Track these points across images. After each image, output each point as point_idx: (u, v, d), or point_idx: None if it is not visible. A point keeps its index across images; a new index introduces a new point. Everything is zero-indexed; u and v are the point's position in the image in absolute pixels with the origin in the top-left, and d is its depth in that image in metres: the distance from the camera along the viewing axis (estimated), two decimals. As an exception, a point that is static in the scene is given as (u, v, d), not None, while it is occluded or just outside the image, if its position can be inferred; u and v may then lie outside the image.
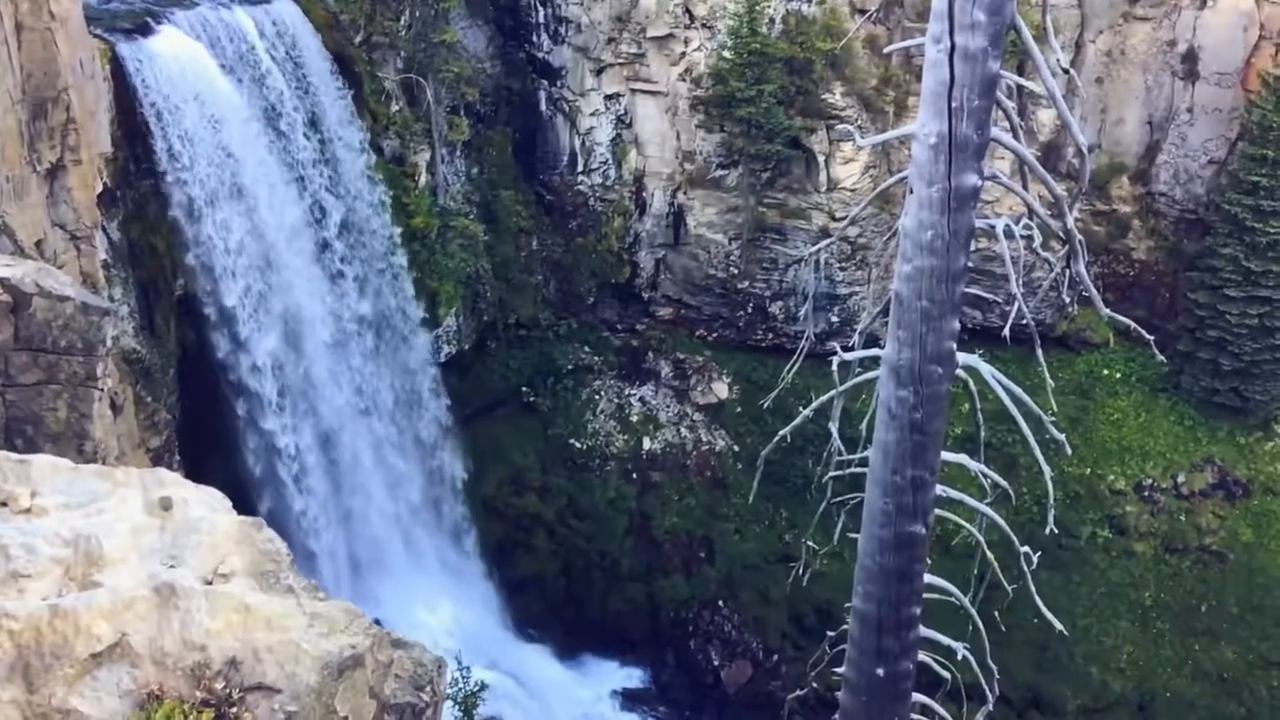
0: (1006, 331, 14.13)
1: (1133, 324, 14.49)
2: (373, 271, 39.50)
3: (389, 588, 39.43)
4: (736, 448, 47.17)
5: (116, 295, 28.64)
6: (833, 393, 14.99)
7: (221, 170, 32.42)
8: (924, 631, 15.07)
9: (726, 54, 43.68)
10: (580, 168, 47.92)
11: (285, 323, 35.61)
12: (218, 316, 33.32)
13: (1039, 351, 14.86)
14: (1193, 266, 45.44)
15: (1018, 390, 13.91)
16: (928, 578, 14.62)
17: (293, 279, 35.74)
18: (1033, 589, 15.17)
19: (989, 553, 15.24)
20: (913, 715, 15.66)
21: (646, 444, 47.11)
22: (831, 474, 15.95)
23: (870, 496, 14.11)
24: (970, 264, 12.75)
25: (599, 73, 46.32)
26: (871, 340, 15.46)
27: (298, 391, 36.50)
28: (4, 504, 9.75)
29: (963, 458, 15.00)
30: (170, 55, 30.55)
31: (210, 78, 31.87)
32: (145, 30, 30.22)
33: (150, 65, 29.83)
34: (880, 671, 14.69)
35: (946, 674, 16.13)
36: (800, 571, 19.17)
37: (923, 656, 15.53)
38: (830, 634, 16.72)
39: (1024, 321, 13.74)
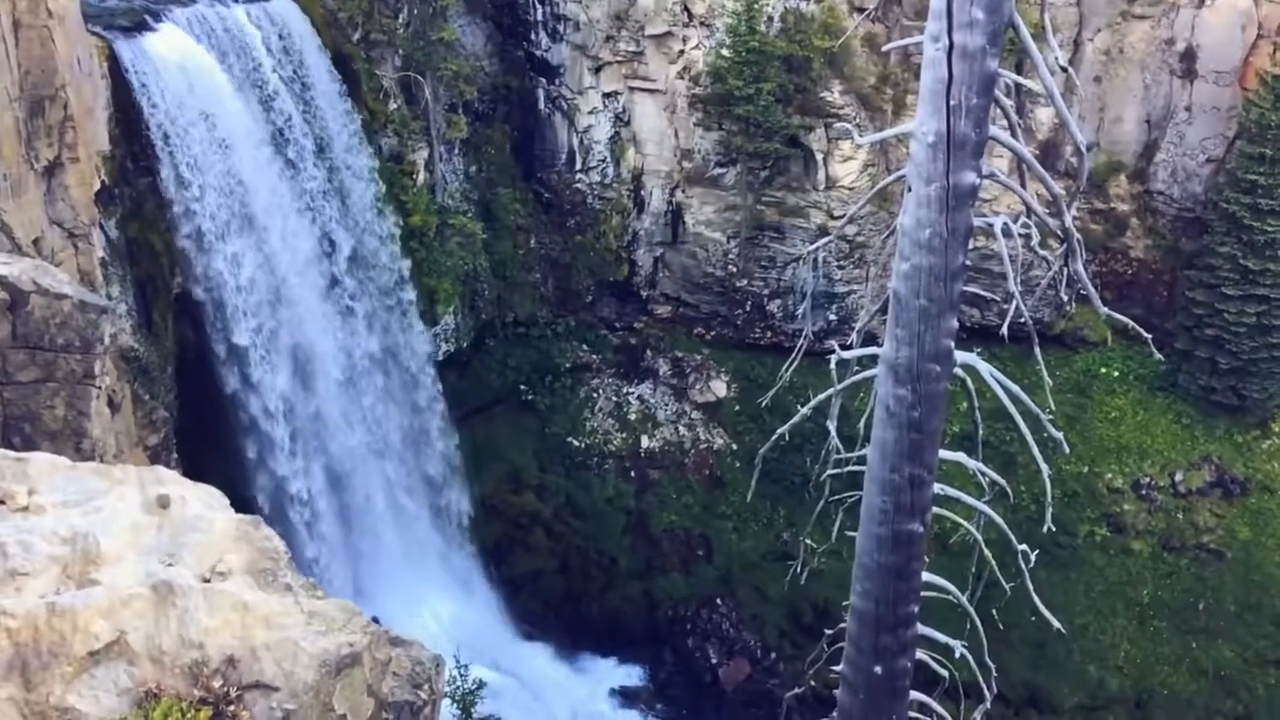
0: (1004, 330, 14.14)
1: (1130, 322, 14.51)
2: (381, 307, 39.00)
3: (386, 584, 39.40)
4: (735, 446, 47.18)
5: (114, 293, 28.59)
6: (831, 391, 14.99)
7: (231, 199, 31.36)
8: (922, 629, 15.08)
9: (725, 52, 43.67)
10: (579, 166, 47.90)
11: (296, 360, 34.79)
12: (227, 353, 32.70)
13: (1037, 350, 14.87)
14: (1190, 265, 45.47)
15: (1015, 388, 13.92)
16: (925, 576, 14.63)
17: (304, 315, 34.98)
18: (1030, 587, 15.19)
19: (987, 551, 15.25)
20: (910, 713, 15.67)
21: (645, 442, 47.11)
22: (829, 472, 15.96)
23: (868, 494, 14.12)
24: (968, 262, 12.76)
25: (597, 71, 46.30)
26: (870, 338, 15.46)
27: (309, 433, 35.77)
28: (2, 502, 9.74)
29: (961, 456, 15.01)
30: (177, 67, 29.66)
31: (220, 96, 30.84)
32: (143, 28, 30.04)
33: (156, 80, 29.01)
34: (878, 669, 14.71)
35: (944, 672, 16.15)
36: (798, 569, 19.18)
37: (920, 654, 15.54)
38: (828, 632, 16.74)
39: (1022, 320, 13.76)
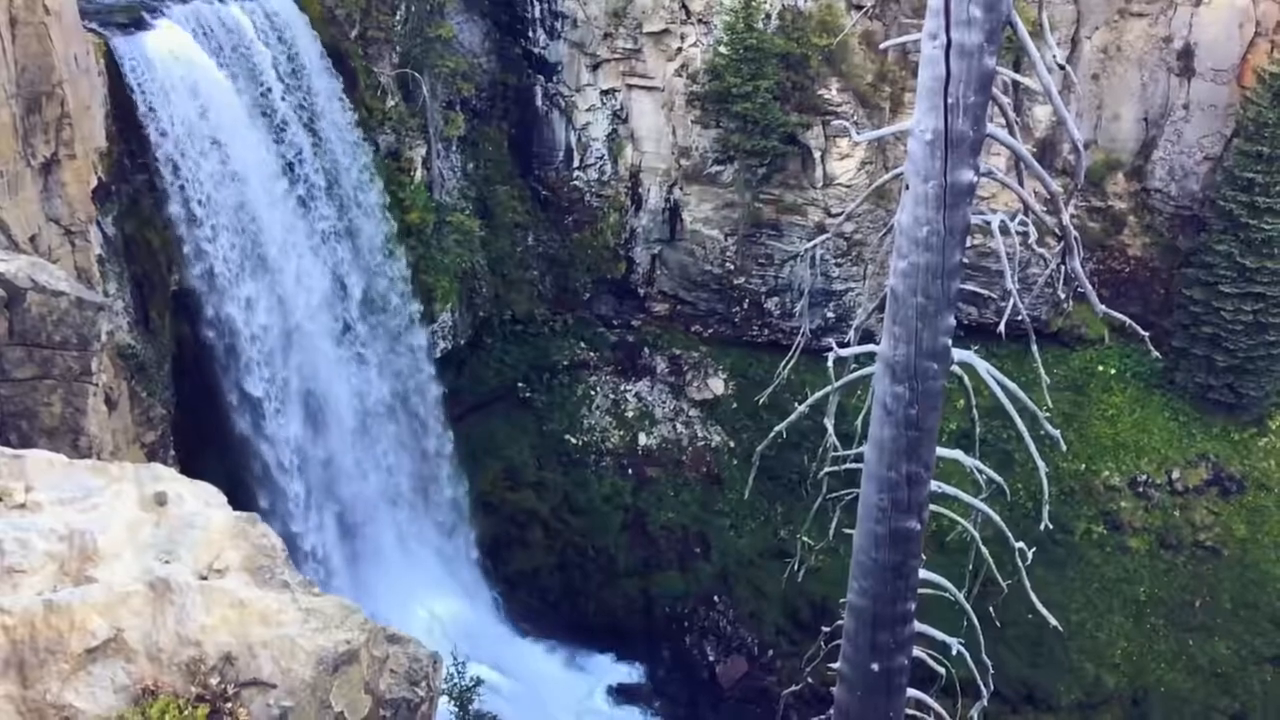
0: (1002, 327, 14.16)
1: (1128, 320, 14.55)
2: (391, 351, 38.57)
3: (384, 582, 39.39)
4: (732, 443, 47.18)
5: (111, 290, 28.53)
6: (828, 389, 15.00)
7: (244, 238, 30.23)
8: (919, 627, 15.10)
9: (723, 49, 43.65)
10: (576, 163, 47.88)
11: (308, 408, 33.91)
12: (239, 401, 32.04)
13: (1034, 347, 14.89)
14: (1188, 263, 45.51)
15: (1013, 386, 13.94)
16: (922, 573, 14.64)
17: (318, 361, 34.13)
18: (1027, 584, 15.21)
19: (984, 548, 15.26)
20: (907, 710, 15.69)
21: (642, 439, 47.11)
22: (827, 470, 15.98)
23: (865, 492, 14.13)
24: (966, 260, 12.77)
25: (595, 68, 46.27)
26: (867, 336, 15.47)
27: (322, 483, 35.07)
28: (-2, 499, 9.73)
29: (958, 453, 15.03)
30: (186, 88, 28.43)
31: (234, 125, 29.55)
32: (140, 25, 29.82)
33: (165, 106, 27.91)
34: (875, 666, 14.72)
35: (941, 669, 16.17)
36: (795, 567, 19.23)
37: (917, 651, 15.56)
38: (825, 629, 16.76)
39: (1019, 317, 13.77)
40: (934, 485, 14.12)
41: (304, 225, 33.35)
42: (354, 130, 35.65)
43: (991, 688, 16.38)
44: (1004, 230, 13.37)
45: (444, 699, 27.53)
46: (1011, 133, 12.63)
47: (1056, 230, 13.04)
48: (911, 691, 15.55)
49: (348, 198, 35.31)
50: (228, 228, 29.91)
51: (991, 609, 16.84)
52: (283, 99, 32.01)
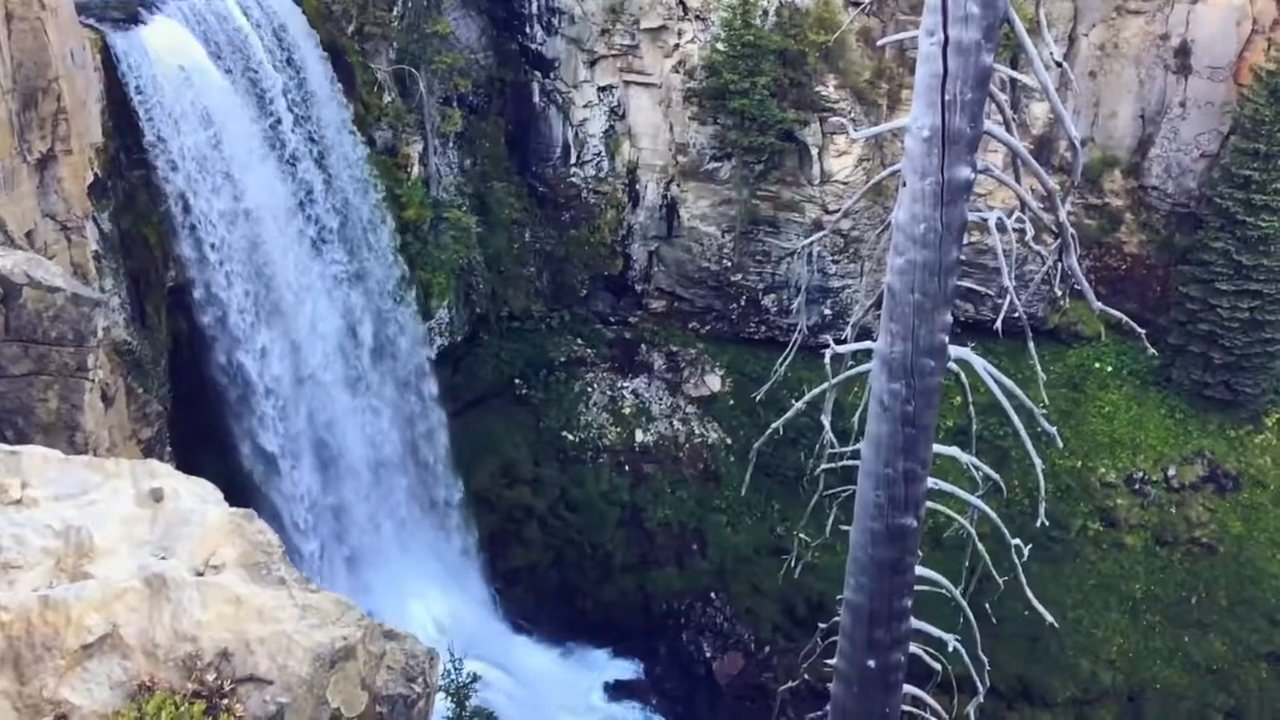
0: (998, 325, 14.17)
1: (1124, 317, 14.56)
2: (402, 399, 38.32)
3: (380, 578, 39.40)
4: (729, 440, 47.20)
5: (107, 286, 28.49)
6: (825, 385, 14.99)
7: (258, 282, 29.45)
8: (915, 623, 15.11)
9: (720, 46, 43.62)
10: (573, 159, 47.85)
11: (321, 458, 33.40)
12: (252, 451, 31.65)
13: (1030, 345, 14.88)
14: (1184, 260, 45.56)
15: (1009, 383, 13.95)
16: (919, 570, 14.66)
17: (334, 410, 33.48)
18: (1023, 581, 15.22)
19: (980, 545, 15.27)
20: (904, 706, 15.71)
21: (639, 436, 47.12)
22: (823, 466, 15.98)
23: (862, 489, 14.13)
24: (963, 257, 12.77)
25: (592, 64, 46.22)
26: (864, 333, 15.46)
27: (333, 535, 34.63)
28: (-6, 495, 9.72)
29: (954, 450, 15.05)
30: (198, 115, 27.52)
31: (246, 154, 28.55)
32: (137, 20, 29.63)
33: (175, 137, 27.19)
34: (871, 663, 14.74)
35: (937, 665, 16.19)
36: (792, 563, 19.23)
37: (914, 648, 15.58)
38: (822, 626, 16.77)
39: (1016, 314, 13.78)
40: (931, 482, 14.13)
41: (317, 268, 32.59)
42: (364, 166, 34.84)
43: (988, 684, 16.41)
44: (1001, 227, 13.37)
45: (441, 695, 27.50)
46: (1009, 130, 12.64)
47: (1053, 227, 13.04)
48: (908, 688, 15.57)
49: (358, 239, 34.59)
50: (241, 274, 29.13)
51: (988, 606, 16.86)
52: (293, 131, 31.13)
